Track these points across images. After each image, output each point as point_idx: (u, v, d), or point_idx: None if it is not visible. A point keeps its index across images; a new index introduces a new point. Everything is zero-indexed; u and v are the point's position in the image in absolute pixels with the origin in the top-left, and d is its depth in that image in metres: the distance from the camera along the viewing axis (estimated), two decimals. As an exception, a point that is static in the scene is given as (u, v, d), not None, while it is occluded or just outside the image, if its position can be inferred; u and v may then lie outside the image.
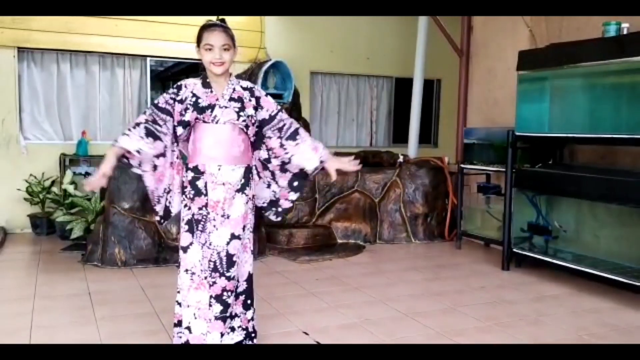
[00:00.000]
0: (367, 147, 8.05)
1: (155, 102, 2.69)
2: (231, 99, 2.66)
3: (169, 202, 2.78)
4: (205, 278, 2.66)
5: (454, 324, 3.50)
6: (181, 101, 2.65)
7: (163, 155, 2.66)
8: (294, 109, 6.80)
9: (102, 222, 4.88)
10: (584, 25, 4.86)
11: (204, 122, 2.65)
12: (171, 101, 2.66)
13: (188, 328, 2.67)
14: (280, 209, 2.91)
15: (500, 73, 5.96)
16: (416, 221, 6.05)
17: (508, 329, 3.44)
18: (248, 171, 2.75)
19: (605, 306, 3.91)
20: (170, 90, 2.70)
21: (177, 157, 2.76)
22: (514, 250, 4.83)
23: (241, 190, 2.71)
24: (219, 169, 2.66)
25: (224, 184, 2.67)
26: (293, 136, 2.74)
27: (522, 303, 3.97)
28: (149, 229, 4.86)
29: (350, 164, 2.76)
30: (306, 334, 3.29)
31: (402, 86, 8.07)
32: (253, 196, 2.82)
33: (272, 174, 2.85)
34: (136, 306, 3.75)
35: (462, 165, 5.66)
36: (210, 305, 2.66)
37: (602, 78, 4.22)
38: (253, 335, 2.87)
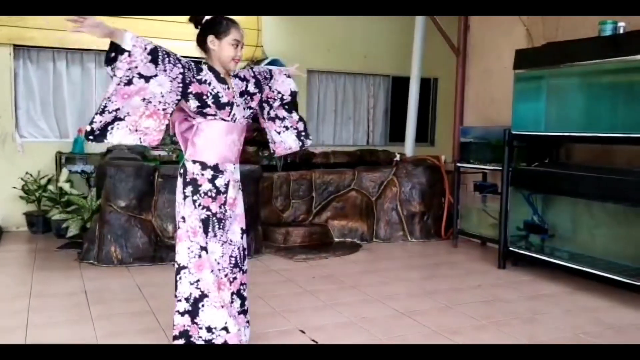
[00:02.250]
0: (364, 145, 8.06)
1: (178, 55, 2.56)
2: (240, 94, 2.70)
3: (112, 124, 2.45)
4: (226, 275, 2.68)
5: (450, 323, 3.50)
6: (200, 81, 2.56)
7: (146, 80, 2.42)
8: (290, 108, 6.79)
9: (98, 220, 4.87)
10: (580, 24, 4.86)
11: (223, 120, 2.62)
12: (188, 72, 2.53)
13: (225, 329, 2.60)
14: (303, 133, 3.18)
15: (497, 72, 5.96)
16: (413, 220, 6.05)
17: (504, 327, 3.44)
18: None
19: (601, 305, 3.92)
20: (190, 63, 2.56)
21: (164, 109, 2.49)
22: (510, 248, 4.84)
23: (241, 186, 2.84)
24: (234, 167, 2.74)
25: (235, 181, 2.75)
26: (270, 75, 3.00)
27: (518, 301, 3.98)
28: (145, 228, 4.85)
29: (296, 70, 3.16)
30: (302, 332, 3.29)
31: (399, 85, 8.07)
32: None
33: (278, 116, 3.09)
34: (132, 305, 3.74)
35: (459, 164, 5.66)
36: (232, 302, 2.69)
37: (598, 77, 4.23)
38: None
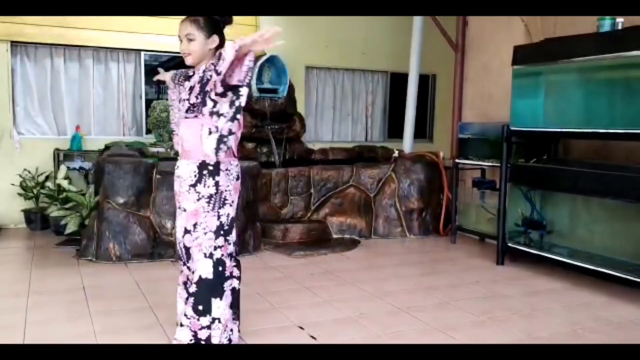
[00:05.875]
0: (363, 142, 8.05)
1: None
2: (189, 89, 2.70)
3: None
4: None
5: (449, 319, 3.51)
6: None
7: None
8: (289, 104, 6.79)
9: (96, 217, 4.87)
10: (578, 20, 4.86)
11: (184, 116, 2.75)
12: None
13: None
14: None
15: (495, 68, 5.97)
16: (411, 216, 6.05)
17: (502, 323, 3.45)
18: (202, 167, 2.66)
19: (599, 300, 3.93)
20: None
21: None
22: (509, 244, 4.84)
23: (193, 186, 2.67)
24: (179, 162, 2.78)
25: (178, 176, 2.75)
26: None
27: (517, 297, 3.98)
28: (143, 224, 4.85)
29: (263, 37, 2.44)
30: (301, 328, 3.29)
31: (398, 81, 8.05)
32: (211, 196, 2.66)
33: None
34: (131, 301, 3.74)
35: (457, 160, 5.67)
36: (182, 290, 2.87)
37: (596, 73, 4.23)
38: (203, 342, 2.69)
